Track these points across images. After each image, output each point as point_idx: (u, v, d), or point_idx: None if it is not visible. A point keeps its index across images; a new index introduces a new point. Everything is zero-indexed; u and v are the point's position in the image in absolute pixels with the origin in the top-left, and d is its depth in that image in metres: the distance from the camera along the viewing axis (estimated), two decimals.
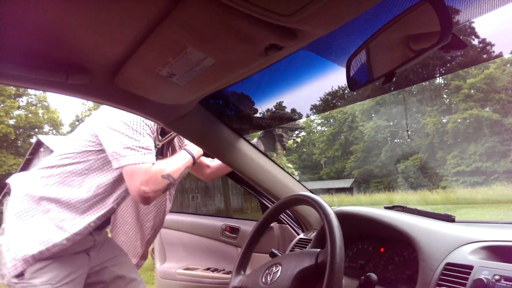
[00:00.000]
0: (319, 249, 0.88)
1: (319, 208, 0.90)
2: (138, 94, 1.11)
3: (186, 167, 1.40)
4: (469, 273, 0.79)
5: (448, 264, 0.85)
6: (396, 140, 24.79)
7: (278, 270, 0.93)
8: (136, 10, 0.71)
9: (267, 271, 0.96)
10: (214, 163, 1.76)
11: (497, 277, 0.75)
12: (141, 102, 1.15)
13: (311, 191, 1.47)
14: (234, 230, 2.00)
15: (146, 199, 1.30)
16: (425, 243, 0.94)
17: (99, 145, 1.39)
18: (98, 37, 0.82)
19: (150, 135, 1.37)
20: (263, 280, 0.94)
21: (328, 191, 22.36)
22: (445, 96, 24.40)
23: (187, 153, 1.42)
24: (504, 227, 1.08)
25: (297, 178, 1.97)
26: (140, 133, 1.33)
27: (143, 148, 1.31)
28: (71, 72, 0.95)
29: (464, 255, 0.85)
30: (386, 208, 1.27)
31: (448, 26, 0.51)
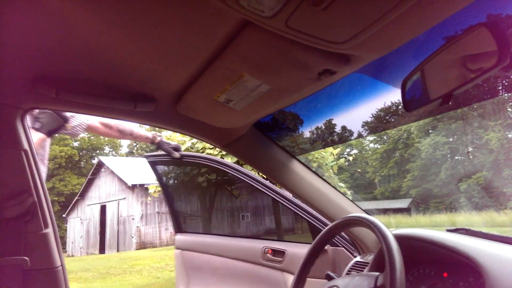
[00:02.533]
0: (378, 273, 0.87)
1: (376, 230, 0.89)
2: (197, 119, 1.19)
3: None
4: None
5: None
6: (456, 157, 23.22)
7: None
8: (198, 42, 0.78)
9: None
10: None
11: None
12: (200, 126, 1.23)
13: (365, 211, 1.45)
14: (278, 253, 1.83)
15: None
16: (492, 269, 0.89)
17: None
18: (163, 69, 0.91)
19: None
20: None
21: (384, 211, 21.35)
22: (510, 109, 22.53)
23: None
24: None
25: (350, 197, 1.92)
26: None
27: None
28: (139, 101, 1.05)
29: None
30: (448, 231, 1.21)
31: (506, 48, 0.50)
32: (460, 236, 1.09)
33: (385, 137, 28.85)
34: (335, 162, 8.45)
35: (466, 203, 19.82)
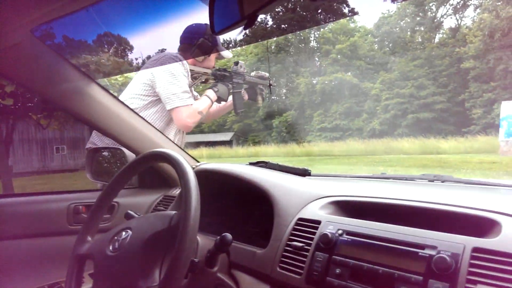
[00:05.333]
0: (174, 212, 0.81)
1: (176, 166, 0.81)
2: None
3: (209, 107, 1.88)
4: (317, 228, 0.82)
5: (300, 219, 0.87)
6: (273, 97, 26.24)
7: (128, 235, 0.82)
8: None
9: (115, 237, 0.84)
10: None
11: (340, 231, 0.78)
12: None
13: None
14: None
15: (188, 128, 1.82)
16: (280, 199, 0.95)
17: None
18: None
19: (186, 77, 1.78)
20: (110, 248, 0.83)
21: (209, 144, 22.67)
22: (317, 59, 26.57)
23: (207, 98, 1.87)
24: (353, 181, 1.17)
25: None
26: (180, 80, 1.73)
27: (185, 92, 1.74)
28: None
29: (314, 210, 0.88)
30: (250, 164, 1.26)
31: None
32: (259, 169, 1.14)
33: None
34: None
35: (276, 136, 23.11)
